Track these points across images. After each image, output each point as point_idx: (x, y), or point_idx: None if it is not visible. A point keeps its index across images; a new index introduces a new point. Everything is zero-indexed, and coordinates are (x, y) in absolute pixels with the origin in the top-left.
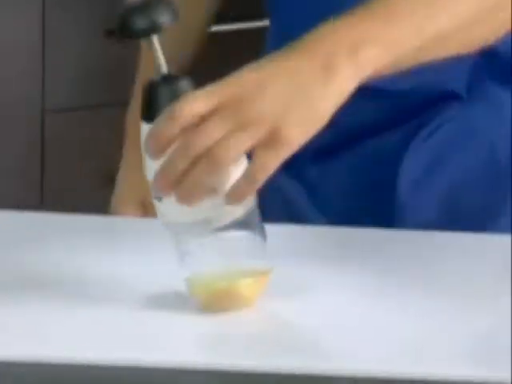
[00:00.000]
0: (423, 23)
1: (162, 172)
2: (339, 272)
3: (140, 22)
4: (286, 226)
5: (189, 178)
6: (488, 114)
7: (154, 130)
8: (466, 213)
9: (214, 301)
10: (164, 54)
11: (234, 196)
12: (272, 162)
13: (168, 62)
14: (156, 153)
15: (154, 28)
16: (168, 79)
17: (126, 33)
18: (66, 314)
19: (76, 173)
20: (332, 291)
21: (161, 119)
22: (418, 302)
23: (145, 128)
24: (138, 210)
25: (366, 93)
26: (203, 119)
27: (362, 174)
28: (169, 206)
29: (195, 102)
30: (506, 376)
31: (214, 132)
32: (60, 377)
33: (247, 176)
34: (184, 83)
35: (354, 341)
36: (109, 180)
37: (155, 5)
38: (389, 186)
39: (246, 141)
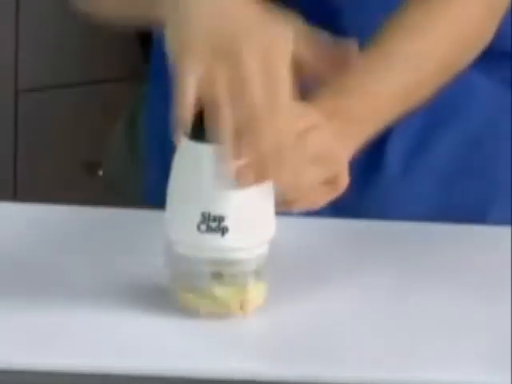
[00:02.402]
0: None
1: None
2: (342, 269)
3: None
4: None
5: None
6: (485, 81)
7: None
8: (464, 194)
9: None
10: None
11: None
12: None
13: None
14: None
15: None
16: None
17: None
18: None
19: (51, 155)
20: (340, 290)
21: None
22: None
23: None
24: None
25: None
26: None
27: None
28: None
29: None
30: (506, 378)
31: None
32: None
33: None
34: None
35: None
36: (86, 164)
37: None
38: (377, 165)
39: None
